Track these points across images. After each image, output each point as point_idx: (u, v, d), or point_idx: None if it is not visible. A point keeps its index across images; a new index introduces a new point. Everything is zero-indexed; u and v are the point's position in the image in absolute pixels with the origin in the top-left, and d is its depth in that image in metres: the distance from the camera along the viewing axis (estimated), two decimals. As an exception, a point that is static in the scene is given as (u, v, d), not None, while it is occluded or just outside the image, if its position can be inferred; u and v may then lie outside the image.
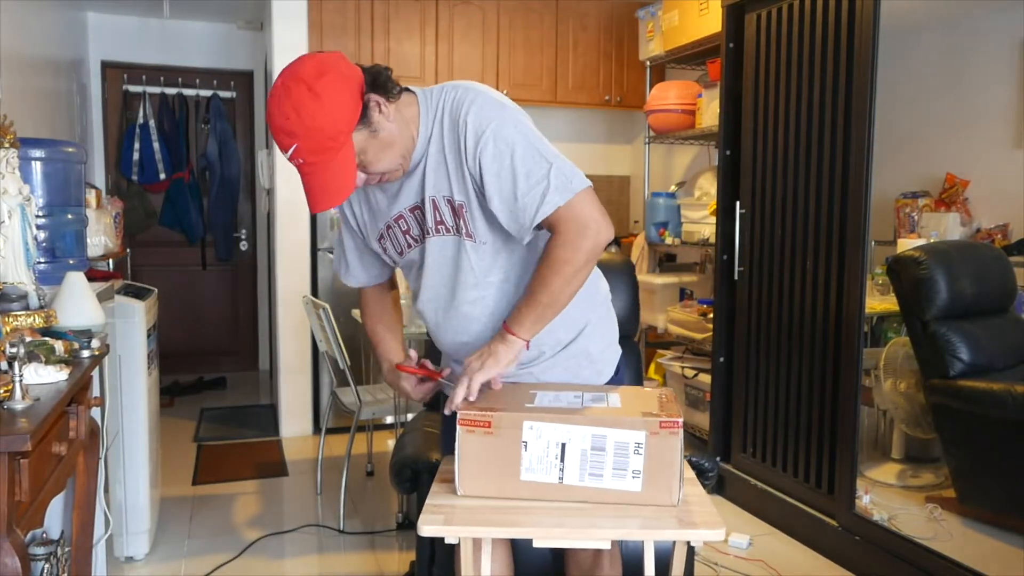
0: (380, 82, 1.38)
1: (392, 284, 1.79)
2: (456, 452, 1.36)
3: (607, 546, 1.33)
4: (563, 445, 1.33)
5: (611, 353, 1.68)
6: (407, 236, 1.54)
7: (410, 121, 1.44)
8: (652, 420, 1.32)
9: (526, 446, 1.34)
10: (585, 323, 1.60)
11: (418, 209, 1.50)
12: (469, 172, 1.42)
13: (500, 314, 1.52)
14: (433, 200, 1.47)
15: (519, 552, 1.68)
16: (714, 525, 1.28)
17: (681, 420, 1.34)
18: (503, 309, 1.51)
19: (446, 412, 1.42)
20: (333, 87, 1.31)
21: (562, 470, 1.34)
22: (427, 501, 1.35)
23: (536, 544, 1.28)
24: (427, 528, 1.27)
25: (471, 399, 1.40)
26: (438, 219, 1.48)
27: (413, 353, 1.63)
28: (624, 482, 1.33)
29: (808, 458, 2.93)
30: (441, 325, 1.60)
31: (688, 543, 1.36)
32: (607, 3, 4.77)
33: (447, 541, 1.32)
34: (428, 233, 1.50)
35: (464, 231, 1.47)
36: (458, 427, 1.35)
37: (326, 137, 1.32)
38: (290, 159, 1.34)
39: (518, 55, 4.63)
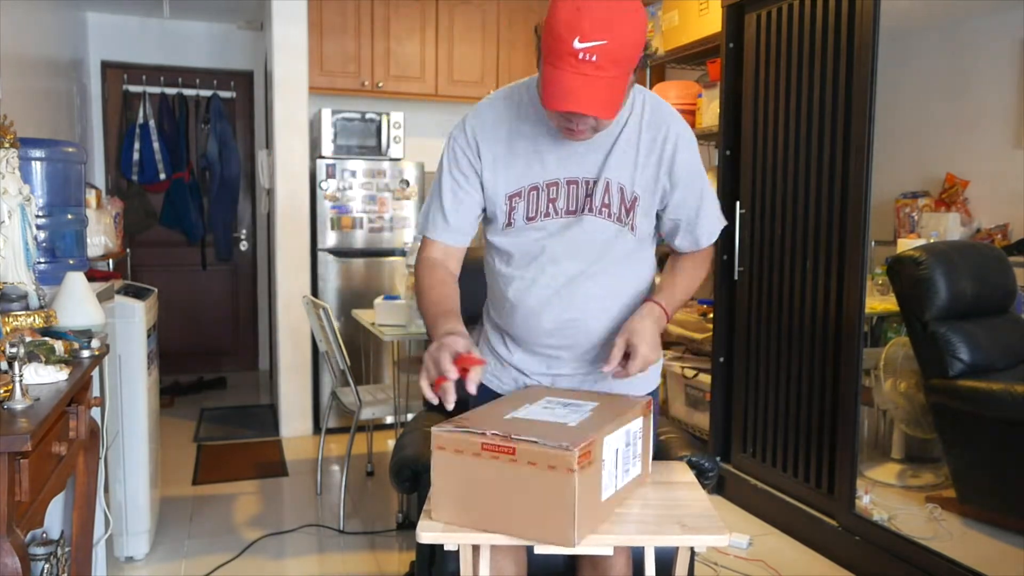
0: (648, 53, 1.40)
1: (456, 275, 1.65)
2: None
3: (609, 552, 1.33)
4: (617, 451, 1.30)
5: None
6: (552, 204, 1.49)
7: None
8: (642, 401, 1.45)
9: (605, 465, 1.24)
10: None
11: (577, 184, 1.48)
12: (663, 173, 1.51)
13: (620, 296, 1.55)
14: (608, 182, 1.48)
15: (531, 552, 1.66)
16: (716, 530, 1.27)
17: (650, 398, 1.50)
18: (627, 293, 1.56)
19: (611, 371, 1.43)
20: (644, 21, 1.32)
21: (616, 476, 1.30)
22: (425, 507, 1.34)
23: (537, 551, 1.26)
24: (426, 535, 1.26)
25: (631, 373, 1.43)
26: (605, 202, 1.48)
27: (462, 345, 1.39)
28: (632, 471, 1.37)
29: (808, 458, 2.93)
30: (550, 301, 1.51)
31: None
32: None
33: (446, 548, 1.31)
34: (587, 211, 1.48)
35: (630, 224, 1.51)
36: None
37: (628, 56, 1.29)
38: (582, 51, 1.24)
39: (518, 55, 4.63)
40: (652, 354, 1.43)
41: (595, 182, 1.47)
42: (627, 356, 1.43)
